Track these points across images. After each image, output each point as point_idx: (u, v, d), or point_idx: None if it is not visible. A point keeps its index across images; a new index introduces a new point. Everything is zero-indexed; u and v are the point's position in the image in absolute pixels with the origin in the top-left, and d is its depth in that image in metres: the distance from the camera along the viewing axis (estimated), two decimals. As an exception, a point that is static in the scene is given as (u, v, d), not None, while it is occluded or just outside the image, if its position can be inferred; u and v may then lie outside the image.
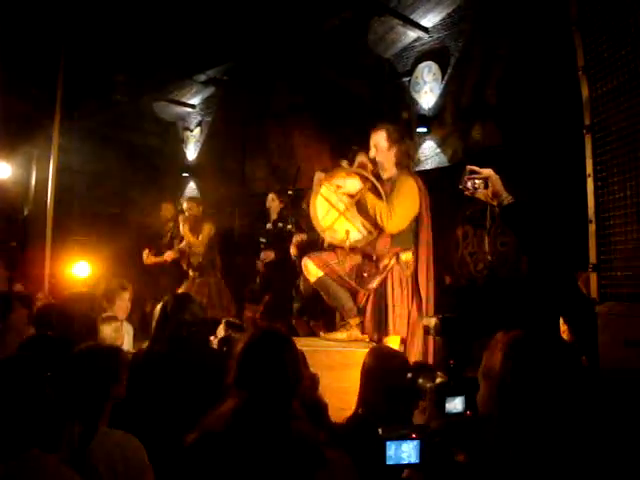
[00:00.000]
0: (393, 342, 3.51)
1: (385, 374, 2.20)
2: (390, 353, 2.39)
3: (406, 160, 3.67)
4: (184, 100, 9.11)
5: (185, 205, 6.23)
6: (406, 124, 4.13)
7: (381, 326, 3.51)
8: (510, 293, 4.99)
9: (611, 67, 1.56)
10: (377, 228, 3.57)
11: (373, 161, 3.70)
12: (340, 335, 3.73)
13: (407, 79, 6.51)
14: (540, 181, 5.08)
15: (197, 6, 6.37)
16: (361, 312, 3.65)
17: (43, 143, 6.61)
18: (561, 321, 2.66)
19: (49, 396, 1.63)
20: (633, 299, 1.51)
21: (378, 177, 3.71)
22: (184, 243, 6.13)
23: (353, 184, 3.66)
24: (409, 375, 2.08)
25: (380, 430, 1.18)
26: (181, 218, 6.11)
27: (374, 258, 3.59)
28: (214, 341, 3.38)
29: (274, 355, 1.71)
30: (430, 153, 6.20)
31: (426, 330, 3.50)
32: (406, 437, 1.17)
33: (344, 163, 4.00)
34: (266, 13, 6.29)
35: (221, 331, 3.46)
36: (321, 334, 3.90)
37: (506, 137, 5.51)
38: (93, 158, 8.03)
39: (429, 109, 6.21)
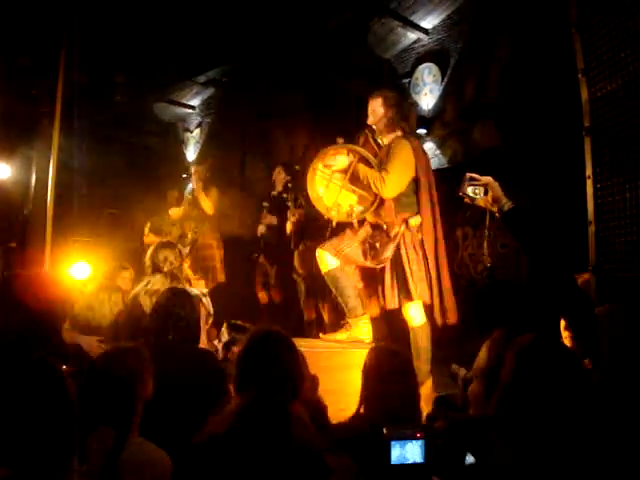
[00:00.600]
0: (416, 308, 3.50)
1: (386, 373, 2.20)
2: (391, 352, 2.38)
3: (400, 122, 3.66)
4: (184, 101, 9.12)
5: (193, 169, 6.27)
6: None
7: (402, 293, 3.48)
8: (510, 295, 4.99)
9: (610, 69, 1.57)
10: (377, 196, 3.57)
11: (371, 129, 3.71)
12: (340, 336, 3.72)
13: (407, 80, 6.52)
14: (540, 183, 5.09)
15: (197, 7, 6.38)
16: (379, 281, 3.60)
17: (43, 144, 6.61)
18: (562, 326, 2.66)
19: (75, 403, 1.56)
20: (632, 300, 1.51)
21: (378, 145, 3.71)
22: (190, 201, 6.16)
23: (342, 160, 3.67)
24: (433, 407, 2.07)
25: (385, 430, 1.18)
26: (194, 178, 6.11)
27: (384, 227, 3.58)
28: (218, 345, 3.35)
29: (274, 356, 1.70)
30: (430, 154, 6.19)
31: (453, 377, 3.48)
32: (411, 437, 1.17)
33: (340, 140, 4.02)
34: (266, 14, 6.30)
35: (224, 334, 3.42)
36: (320, 335, 3.90)
37: (506, 139, 5.52)
38: (93, 159, 8.03)
39: (429, 110, 6.22)
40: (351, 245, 3.61)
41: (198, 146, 9.21)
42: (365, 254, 3.57)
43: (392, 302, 3.52)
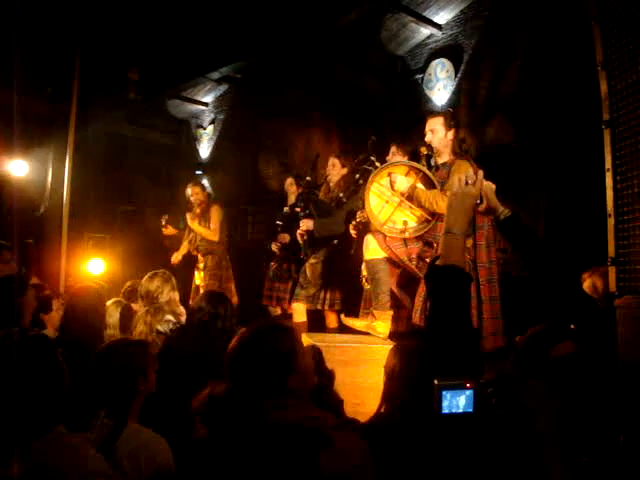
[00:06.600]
0: None
1: (409, 373, 2.19)
2: (414, 351, 2.36)
3: (462, 146, 3.67)
4: (197, 98, 9.17)
5: (189, 191, 6.04)
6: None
7: None
8: (522, 292, 4.96)
9: (630, 62, 1.56)
10: (434, 216, 3.57)
11: (429, 146, 3.71)
12: (359, 323, 3.73)
13: (420, 76, 6.50)
14: (554, 178, 5.06)
15: (210, 4, 6.42)
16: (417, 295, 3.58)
17: (59, 141, 6.68)
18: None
19: (65, 373, 1.62)
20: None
21: (429, 165, 3.72)
22: (192, 235, 6.05)
23: (402, 176, 3.66)
24: None
25: (436, 380, 1.24)
26: (189, 216, 5.94)
27: (434, 245, 3.58)
28: None
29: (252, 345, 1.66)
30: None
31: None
32: (461, 386, 1.23)
33: (393, 148, 4.08)
34: (279, 11, 6.32)
35: None
36: (342, 317, 3.90)
37: (519, 134, 5.49)
38: (108, 156, 8.11)
39: (442, 106, 6.21)
40: (400, 247, 3.61)
41: (211, 143, 9.26)
42: (411, 260, 3.57)
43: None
